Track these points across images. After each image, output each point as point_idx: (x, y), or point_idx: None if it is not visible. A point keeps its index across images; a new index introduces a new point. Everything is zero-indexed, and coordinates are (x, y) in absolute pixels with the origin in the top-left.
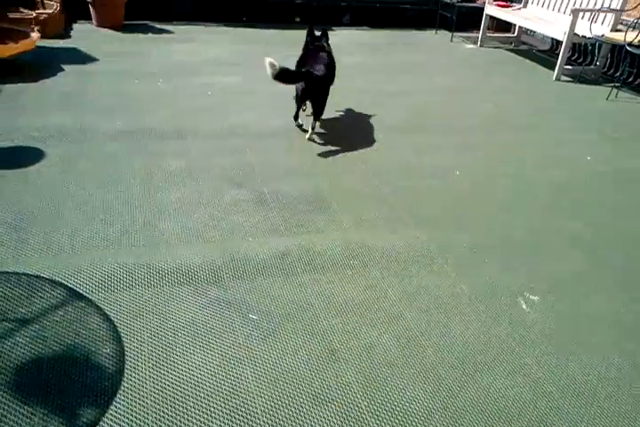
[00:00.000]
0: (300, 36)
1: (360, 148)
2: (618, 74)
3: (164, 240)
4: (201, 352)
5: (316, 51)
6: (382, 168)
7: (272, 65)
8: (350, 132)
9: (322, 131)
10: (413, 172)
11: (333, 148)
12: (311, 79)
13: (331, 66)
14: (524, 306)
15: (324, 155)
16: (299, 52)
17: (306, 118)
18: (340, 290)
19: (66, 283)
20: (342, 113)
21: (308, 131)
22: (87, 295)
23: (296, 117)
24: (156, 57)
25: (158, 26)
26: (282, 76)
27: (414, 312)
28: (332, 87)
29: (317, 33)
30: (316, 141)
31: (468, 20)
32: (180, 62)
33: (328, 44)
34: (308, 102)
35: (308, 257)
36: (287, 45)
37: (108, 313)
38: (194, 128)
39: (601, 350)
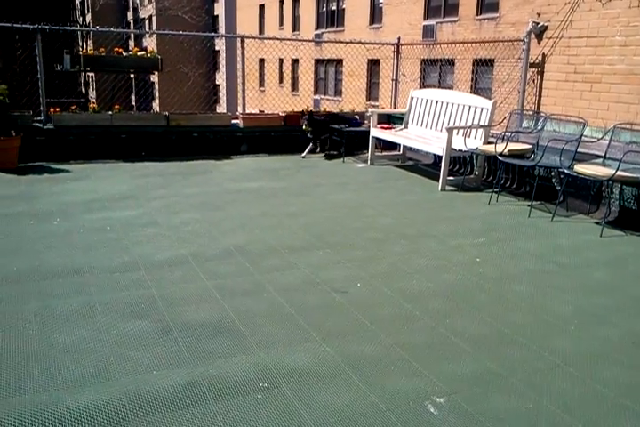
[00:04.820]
0: (194, 166)
1: (263, 268)
2: (495, 181)
3: (62, 385)
4: None
5: None
6: (287, 287)
7: None
8: (253, 254)
9: (223, 256)
10: (317, 287)
11: (236, 272)
12: None
13: None
14: (432, 409)
15: (227, 280)
16: (194, 181)
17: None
18: (251, 415)
19: None
20: (245, 236)
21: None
22: None
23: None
24: (53, 196)
25: (55, 166)
26: None
27: None
28: (233, 211)
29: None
30: (215, 267)
31: (357, 142)
32: (78, 200)
33: None
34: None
35: (216, 384)
36: (182, 175)
37: None
38: (92, 264)
39: None
